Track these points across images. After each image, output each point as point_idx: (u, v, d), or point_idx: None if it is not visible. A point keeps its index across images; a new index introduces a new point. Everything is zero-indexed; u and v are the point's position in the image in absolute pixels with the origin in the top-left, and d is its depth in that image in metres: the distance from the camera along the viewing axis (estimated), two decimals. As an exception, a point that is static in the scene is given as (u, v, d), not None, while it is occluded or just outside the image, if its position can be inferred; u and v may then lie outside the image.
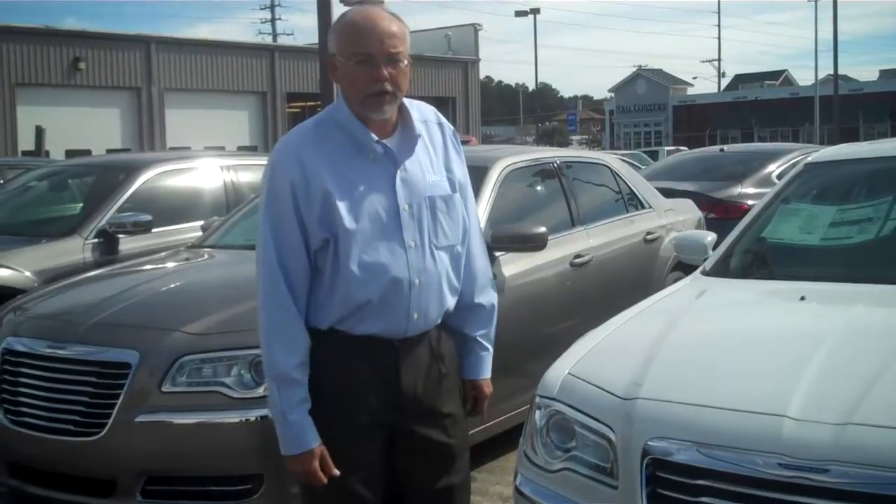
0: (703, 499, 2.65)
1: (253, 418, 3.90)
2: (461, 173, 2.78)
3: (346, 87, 2.61)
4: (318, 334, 2.60)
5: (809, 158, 4.86)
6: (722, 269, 4.22)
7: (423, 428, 2.69)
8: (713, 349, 3.36)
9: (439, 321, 2.72)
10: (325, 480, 2.57)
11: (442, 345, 2.75)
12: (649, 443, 2.78)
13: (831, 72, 43.91)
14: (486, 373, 2.89)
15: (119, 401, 4.02)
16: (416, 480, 2.74)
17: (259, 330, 2.59)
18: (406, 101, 2.68)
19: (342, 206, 2.53)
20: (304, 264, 2.57)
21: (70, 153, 23.92)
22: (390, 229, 2.58)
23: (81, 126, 28.19)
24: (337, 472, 2.57)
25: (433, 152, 2.72)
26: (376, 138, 2.60)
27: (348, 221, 2.53)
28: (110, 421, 4.02)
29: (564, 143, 50.03)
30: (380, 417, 2.63)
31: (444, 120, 2.81)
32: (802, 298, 3.64)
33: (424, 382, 2.68)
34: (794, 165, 5.33)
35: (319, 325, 2.60)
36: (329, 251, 2.55)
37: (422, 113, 2.74)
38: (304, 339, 2.58)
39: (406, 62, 2.60)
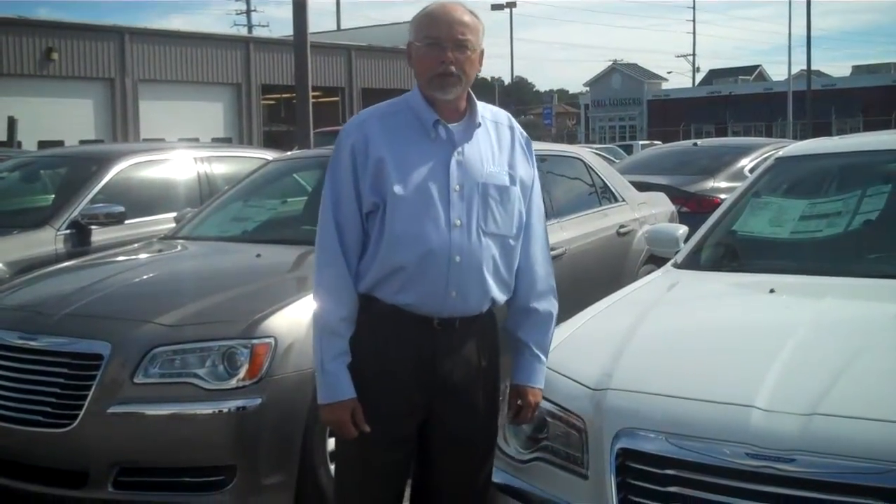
0: (672, 488, 2.68)
1: (226, 410, 3.90)
2: (526, 175, 2.88)
3: (416, 70, 2.78)
4: (359, 299, 2.73)
5: (780, 153, 4.91)
6: (693, 262, 4.25)
7: (454, 418, 2.78)
8: (683, 341, 3.39)
9: (484, 310, 2.79)
10: (354, 433, 2.69)
11: (488, 339, 2.83)
12: (619, 433, 2.80)
13: (804, 67, 44.22)
14: (536, 381, 2.93)
15: (91, 392, 4.00)
16: (441, 469, 2.84)
17: (314, 285, 2.75)
18: (482, 103, 2.84)
19: (394, 174, 2.67)
20: (357, 226, 2.72)
21: (43, 144, 23.67)
22: (438, 205, 2.69)
23: (54, 117, 27.92)
24: (367, 427, 2.68)
25: (497, 148, 2.83)
26: (437, 118, 2.73)
27: (397, 188, 2.66)
28: (82, 412, 4.00)
29: (540, 137, 50.04)
30: (413, 396, 2.73)
31: (516, 125, 2.93)
32: (772, 291, 3.68)
33: (463, 372, 2.76)
34: (766, 160, 5.37)
35: (358, 289, 2.73)
36: (378, 216, 2.69)
37: (494, 114, 2.89)
38: (352, 295, 2.72)
39: (474, 52, 2.74)
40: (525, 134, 2.93)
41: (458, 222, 2.70)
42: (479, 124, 2.79)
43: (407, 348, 2.72)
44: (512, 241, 2.82)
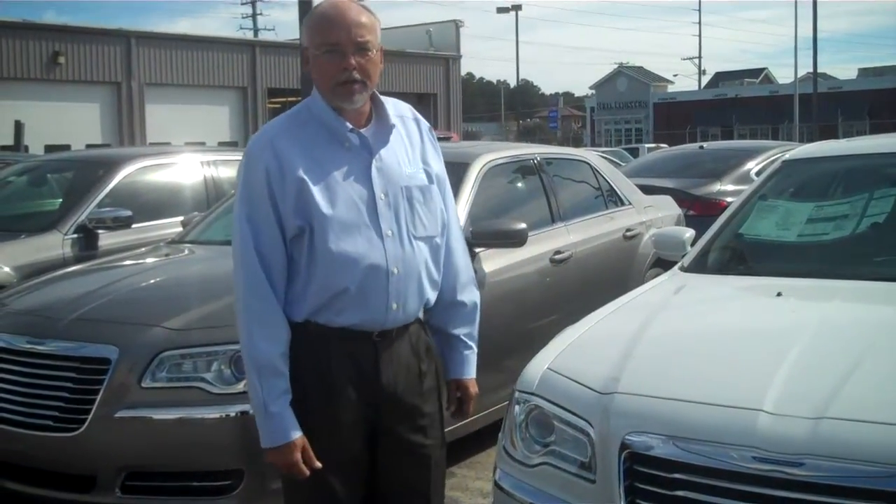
0: (680, 492, 2.67)
1: (233, 414, 3.91)
2: (439, 168, 2.78)
3: (316, 78, 2.63)
4: (294, 327, 2.58)
5: (787, 156, 4.90)
6: (700, 266, 4.25)
7: (402, 427, 2.69)
8: (690, 344, 3.39)
9: (419, 314, 2.72)
10: (307, 473, 2.56)
11: (422, 342, 2.75)
12: (627, 437, 2.80)
13: (811, 70, 44.10)
14: (471, 372, 2.87)
15: (99, 396, 4.02)
16: (392, 480, 2.73)
17: (238, 321, 2.57)
18: (382, 97, 2.70)
19: (317, 193, 2.53)
20: (281, 253, 2.56)
21: (49, 148, 23.70)
22: (367, 218, 2.57)
23: (61, 121, 27.96)
24: (319, 464, 2.56)
25: (409, 146, 2.72)
26: (350, 126, 2.61)
27: (325, 207, 2.53)
28: (90, 416, 4.02)
29: (546, 141, 50.00)
30: (360, 414, 2.62)
31: (419, 116, 2.82)
32: (779, 294, 3.67)
33: (405, 380, 2.68)
34: (772, 163, 5.36)
35: (295, 318, 2.58)
36: (304, 239, 2.55)
37: (398, 109, 2.75)
38: (285, 328, 2.56)
39: (375, 52, 2.62)
40: (428, 123, 2.83)
41: (390, 232, 2.59)
42: (393, 126, 2.68)
43: (347, 365, 2.60)
44: (438, 240, 2.73)
